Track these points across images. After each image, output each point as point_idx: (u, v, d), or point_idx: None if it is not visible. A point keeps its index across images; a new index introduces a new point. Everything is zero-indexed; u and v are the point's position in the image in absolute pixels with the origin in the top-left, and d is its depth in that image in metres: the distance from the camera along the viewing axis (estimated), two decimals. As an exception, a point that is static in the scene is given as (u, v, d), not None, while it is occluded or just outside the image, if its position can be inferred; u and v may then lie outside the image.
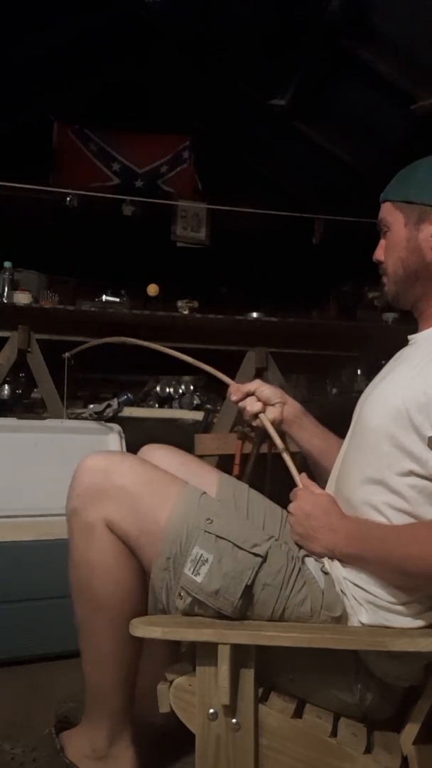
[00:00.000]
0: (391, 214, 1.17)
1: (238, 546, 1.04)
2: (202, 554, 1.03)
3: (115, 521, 1.07)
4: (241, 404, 1.29)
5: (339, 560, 1.09)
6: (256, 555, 1.03)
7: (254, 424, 1.29)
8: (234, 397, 1.30)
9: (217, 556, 1.02)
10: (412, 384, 1.05)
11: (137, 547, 1.07)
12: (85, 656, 1.13)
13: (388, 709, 1.10)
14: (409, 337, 1.20)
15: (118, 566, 1.08)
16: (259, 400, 1.28)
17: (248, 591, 1.02)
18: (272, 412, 1.28)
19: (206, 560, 1.02)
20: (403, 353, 1.20)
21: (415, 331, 1.20)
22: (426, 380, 1.03)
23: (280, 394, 1.30)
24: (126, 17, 3.41)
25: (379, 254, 1.20)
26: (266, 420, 1.27)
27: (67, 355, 1.84)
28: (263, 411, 1.28)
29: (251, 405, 1.28)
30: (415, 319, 1.20)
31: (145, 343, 1.54)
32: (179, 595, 1.03)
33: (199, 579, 1.01)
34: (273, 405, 1.29)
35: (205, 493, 1.14)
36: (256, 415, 1.28)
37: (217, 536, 1.04)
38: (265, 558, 1.04)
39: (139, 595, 1.09)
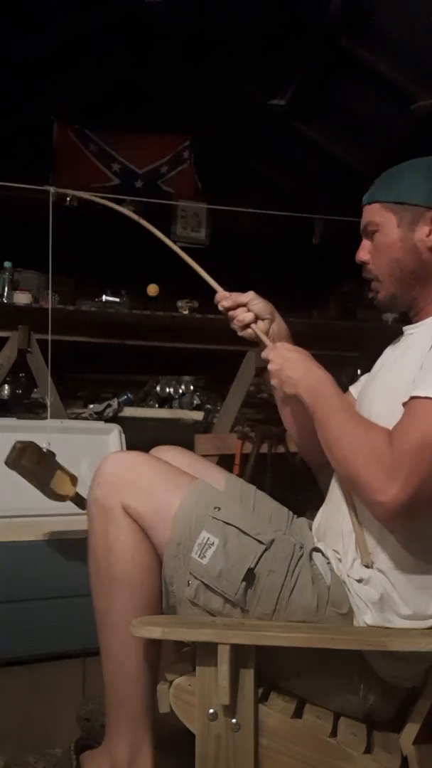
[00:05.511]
0: (380, 215, 1.16)
1: (243, 532, 1.06)
2: (208, 538, 1.05)
3: (131, 505, 1.09)
4: (231, 313, 1.27)
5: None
6: (260, 542, 1.05)
7: (242, 334, 1.28)
8: (226, 303, 1.27)
9: (222, 540, 1.05)
10: (413, 370, 1.05)
11: (151, 528, 1.09)
12: (104, 650, 1.12)
13: (390, 710, 1.10)
14: (405, 327, 1.20)
15: (135, 543, 1.09)
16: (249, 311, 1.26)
17: (251, 575, 1.03)
18: (261, 327, 1.26)
19: (212, 544, 1.05)
20: (400, 343, 1.20)
21: (410, 323, 1.20)
22: (420, 365, 1.04)
23: (270, 310, 1.28)
24: (126, 17, 3.41)
25: (363, 255, 1.20)
26: (258, 330, 1.25)
27: (52, 189, 1.70)
28: (255, 322, 1.26)
29: (242, 314, 1.26)
30: (410, 319, 1.20)
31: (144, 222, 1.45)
32: (188, 582, 1.05)
33: (204, 561, 1.04)
34: (263, 320, 1.27)
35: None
36: (246, 326, 1.26)
37: (224, 522, 1.07)
38: (269, 546, 1.05)
39: (156, 575, 1.10)
